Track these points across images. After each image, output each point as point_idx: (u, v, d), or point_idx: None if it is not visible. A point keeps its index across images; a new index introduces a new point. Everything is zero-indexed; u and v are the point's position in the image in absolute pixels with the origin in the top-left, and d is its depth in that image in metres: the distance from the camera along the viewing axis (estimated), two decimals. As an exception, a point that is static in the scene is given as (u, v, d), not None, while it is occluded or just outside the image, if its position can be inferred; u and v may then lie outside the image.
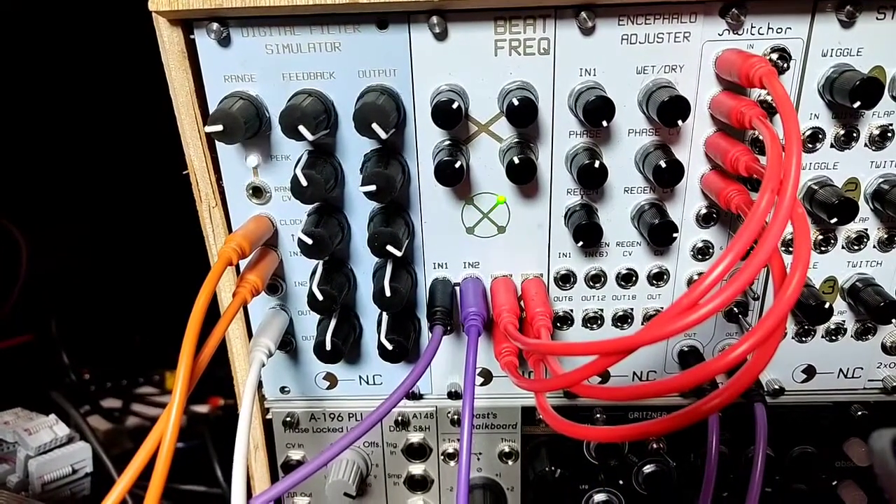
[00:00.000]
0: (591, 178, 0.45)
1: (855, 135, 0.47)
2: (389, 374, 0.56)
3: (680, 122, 0.43)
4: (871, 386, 0.56)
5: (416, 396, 0.57)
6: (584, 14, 0.44)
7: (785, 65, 0.45)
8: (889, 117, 0.47)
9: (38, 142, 0.88)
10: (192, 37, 0.45)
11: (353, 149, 0.48)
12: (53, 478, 0.63)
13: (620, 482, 0.59)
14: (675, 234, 0.47)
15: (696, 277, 0.52)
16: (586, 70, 0.46)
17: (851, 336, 0.54)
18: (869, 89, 0.42)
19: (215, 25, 0.44)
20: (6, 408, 0.67)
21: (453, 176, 0.45)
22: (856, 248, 0.51)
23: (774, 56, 0.45)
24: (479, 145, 0.48)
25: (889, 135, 0.47)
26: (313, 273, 0.49)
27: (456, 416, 0.57)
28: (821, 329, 0.54)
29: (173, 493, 0.81)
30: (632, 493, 0.59)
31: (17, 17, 0.82)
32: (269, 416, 0.58)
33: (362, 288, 0.52)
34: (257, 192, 0.49)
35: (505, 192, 0.49)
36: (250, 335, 0.53)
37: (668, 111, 0.43)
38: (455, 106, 0.43)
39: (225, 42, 0.45)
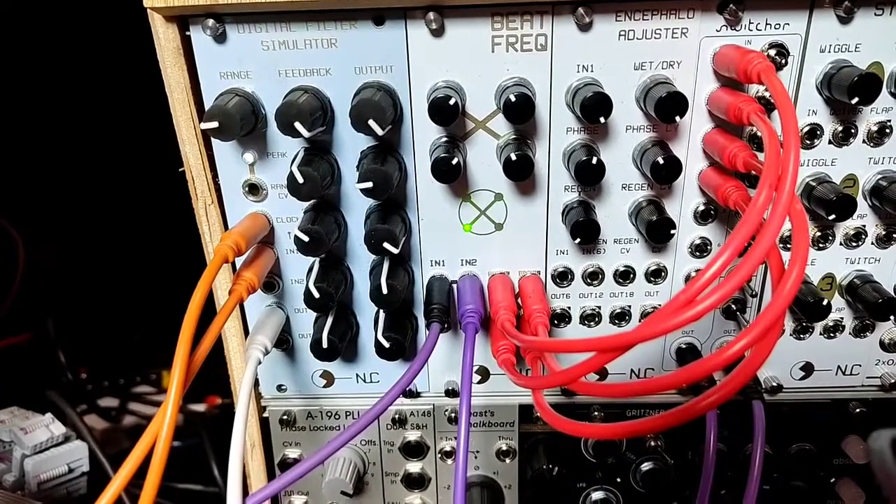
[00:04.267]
0: (589, 174, 0.45)
1: (853, 131, 0.47)
2: (386, 371, 0.56)
3: (678, 119, 0.43)
4: (869, 383, 0.56)
5: (414, 394, 0.57)
6: (581, 10, 0.43)
7: (783, 61, 0.45)
8: (887, 113, 0.47)
9: (35, 140, 0.88)
10: (187, 33, 0.45)
11: (350, 146, 0.48)
12: (49, 477, 0.63)
13: (618, 480, 0.59)
14: (672, 231, 0.47)
15: (693, 274, 0.52)
16: (583, 66, 0.45)
17: (849, 333, 0.54)
18: (867, 85, 0.42)
19: (211, 22, 0.44)
20: (2, 406, 0.67)
21: (450, 173, 0.44)
22: (854, 244, 0.51)
23: (772, 52, 0.45)
24: (477, 142, 0.48)
25: (887, 131, 0.47)
26: (310, 270, 0.49)
27: (453, 414, 0.57)
28: (819, 326, 0.54)
29: (170, 492, 0.80)
30: (630, 491, 0.59)
31: (12, 15, 0.81)
32: (265, 415, 0.58)
33: (359, 285, 0.52)
34: (253, 189, 0.49)
35: (502, 188, 0.49)
36: (247, 333, 0.53)
37: (666, 107, 0.42)
38: (452, 102, 0.43)
39: (221, 38, 0.45)
